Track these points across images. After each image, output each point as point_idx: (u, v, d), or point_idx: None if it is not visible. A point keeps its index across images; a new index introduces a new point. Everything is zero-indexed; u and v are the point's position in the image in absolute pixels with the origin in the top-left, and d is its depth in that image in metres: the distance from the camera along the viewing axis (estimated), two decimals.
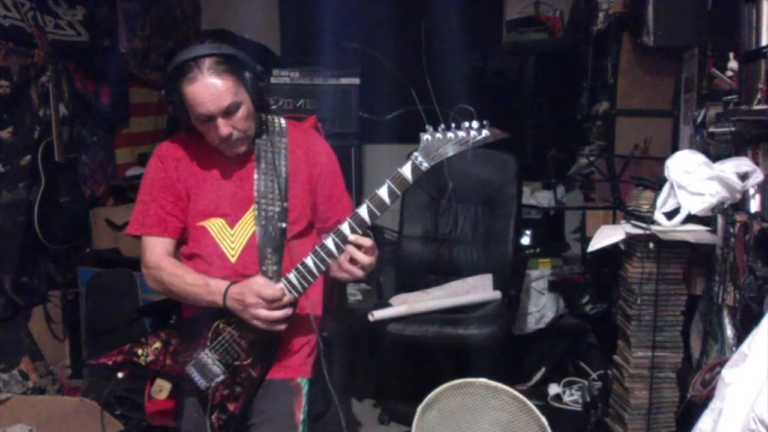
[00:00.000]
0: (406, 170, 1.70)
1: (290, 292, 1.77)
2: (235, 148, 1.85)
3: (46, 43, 3.28)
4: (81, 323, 3.57)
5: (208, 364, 1.84)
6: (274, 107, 1.96)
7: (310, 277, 1.77)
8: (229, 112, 1.78)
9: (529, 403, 2.14)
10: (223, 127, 1.78)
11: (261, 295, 1.73)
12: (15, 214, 3.26)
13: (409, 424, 2.21)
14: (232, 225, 1.88)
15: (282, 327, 1.78)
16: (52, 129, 3.27)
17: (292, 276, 1.77)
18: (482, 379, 2.18)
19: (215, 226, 1.89)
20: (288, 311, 1.77)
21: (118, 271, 3.49)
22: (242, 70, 1.81)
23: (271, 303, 1.74)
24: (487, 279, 3.09)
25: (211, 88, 1.75)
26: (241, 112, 1.80)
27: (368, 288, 3.59)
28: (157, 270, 1.86)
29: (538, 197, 3.94)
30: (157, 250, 1.89)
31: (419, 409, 2.19)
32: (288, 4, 4.98)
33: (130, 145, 4.24)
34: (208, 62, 1.76)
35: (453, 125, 1.69)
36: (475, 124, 1.69)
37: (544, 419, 2.11)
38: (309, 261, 1.76)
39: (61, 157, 3.29)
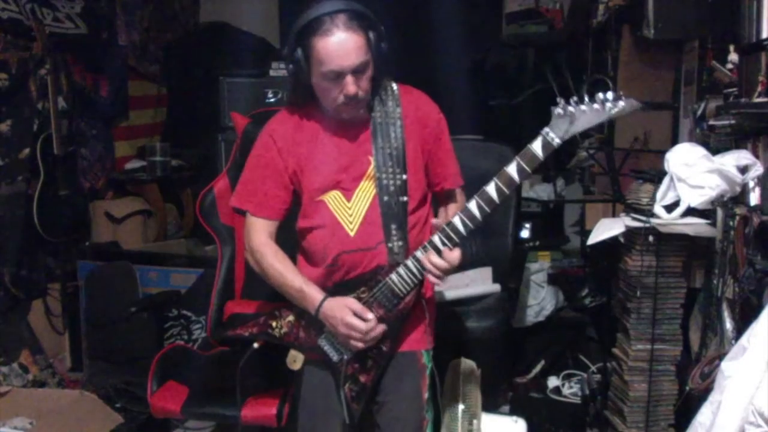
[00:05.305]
0: (537, 146, 1.67)
1: (417, 269, 1.79)
2: (355, 110, 1.82)
3: (44, 36, 3.27)
4: (80, 316, 3.57)
5: None
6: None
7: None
8: (358, 71, 1.73)
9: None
10: (351, 86, 1.73)
11: (352, 328, 1.77)
12: (14, 207, 3.26)
13: None
14: (348, 198, 1.86)
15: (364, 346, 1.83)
16: (51, 122, 3.27)
17: (419, 253, 1.78)
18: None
19: (333, 199, 1.86)
20: (377, 334, 1.81)
21: (117, 264, 3.49)
22: (370, 29, 1.76)
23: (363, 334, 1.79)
24: (486, 272, 3.08)
25: (345, 43, 1.70)
26: (368, 72, 1.77)
27: None
28: (260, 255, 1.88)
29: (538, 190, 3.94)
30: (261, 232, 1.89)
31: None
32: None
33: (129, 138, 4.23)
34: (343, 17, 1.71)
35: (586, 98, 1.61)
36: (610, 95, 1.62)
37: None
38: (436, 238, 1.76)
39: (60, 150, 3.29)
